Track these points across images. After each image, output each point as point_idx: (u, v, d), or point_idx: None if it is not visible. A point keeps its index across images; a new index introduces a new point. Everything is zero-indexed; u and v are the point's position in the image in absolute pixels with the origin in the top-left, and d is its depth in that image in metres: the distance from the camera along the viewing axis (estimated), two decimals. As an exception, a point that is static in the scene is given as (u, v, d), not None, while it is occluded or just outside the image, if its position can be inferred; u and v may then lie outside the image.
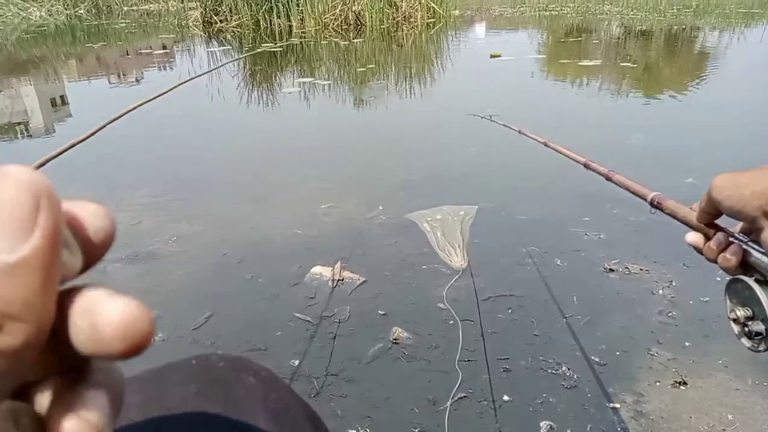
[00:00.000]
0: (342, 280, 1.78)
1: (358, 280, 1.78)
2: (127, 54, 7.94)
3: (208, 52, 7.75)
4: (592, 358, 1.42)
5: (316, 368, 1.39)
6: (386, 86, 5.12)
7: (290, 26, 9.97)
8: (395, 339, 1.48)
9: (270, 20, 10.23)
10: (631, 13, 11.68)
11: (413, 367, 1.39)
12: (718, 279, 1.76)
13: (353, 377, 1.35)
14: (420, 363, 1.41)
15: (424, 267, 1.88)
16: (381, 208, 2.34)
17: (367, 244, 2.05)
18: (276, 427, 0.36)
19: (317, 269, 1.84)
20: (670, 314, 1.60)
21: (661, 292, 1.72)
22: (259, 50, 5.01)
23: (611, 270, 1.84)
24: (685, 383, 1.33)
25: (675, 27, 9.25)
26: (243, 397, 0.37)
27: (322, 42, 8.13)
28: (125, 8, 15.97)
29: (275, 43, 7.91)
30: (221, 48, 8.06)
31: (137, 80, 5.87)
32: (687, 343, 1.48)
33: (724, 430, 1.20)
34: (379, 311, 1.62)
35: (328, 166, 2.98)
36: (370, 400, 1.29)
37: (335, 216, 2.29)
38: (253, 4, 10.21)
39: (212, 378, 0.38)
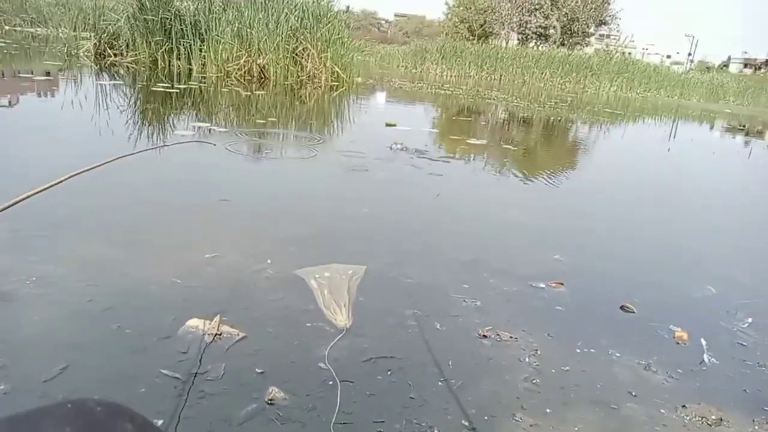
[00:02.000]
0: (220, 334, 1.70)
1: (238, 335, 1.72)
2: (2, 75, 7.30)
3: (97, 84, 7.35)
4: (463, 422, 1.47)
5: (182, 430, 1.29)
6: (284, 141, 5.16)
7: (190, 69, 9.80)
8: (270, 399, 1.43)
9: (169, 61, 9.99)
10: (515, 101, 12.92)
11: (286, 429, 1.35)
12: (578, 351, 1.92)
13: (222, 440, 1.28)
14: (294, 425, 1.36)
15: (308, 325, 1.86)
16: (269, 261, 2.30)
17: (251, 298, 2.00)
18: None
19: (193, 322, 1.75)
20: (534, 381, 1.71)
21: (527, 359, 1.83)
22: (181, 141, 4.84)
23: (485, 336, 1.94)
24: (544, 448, 1.41)
25: (552, 117, 10.35)
26: None
27: (223, 89, 8.05)
28: (6, 27, 14.80)
29: (172, 84, 7.71)
30: (112, 82, 7.69)
31: (10, 104, 5.39)
32: (548, 410, 1.58)
33: (576, 493, 1.28)
34: (257, 369, 1.57)
35: (217, 215, 2.90)
36: (238, 464, 1.22)
37: (219, 267, 2.21)
38: (152, 43, 9.94)
39: (88, 423, 0.37)
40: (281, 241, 2.59)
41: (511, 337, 1.96)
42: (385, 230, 2.98)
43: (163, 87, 7.39)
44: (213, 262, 2.24)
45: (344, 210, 3.27)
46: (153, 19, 9.65)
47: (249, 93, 8.03)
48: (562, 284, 2.43)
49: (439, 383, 1.63)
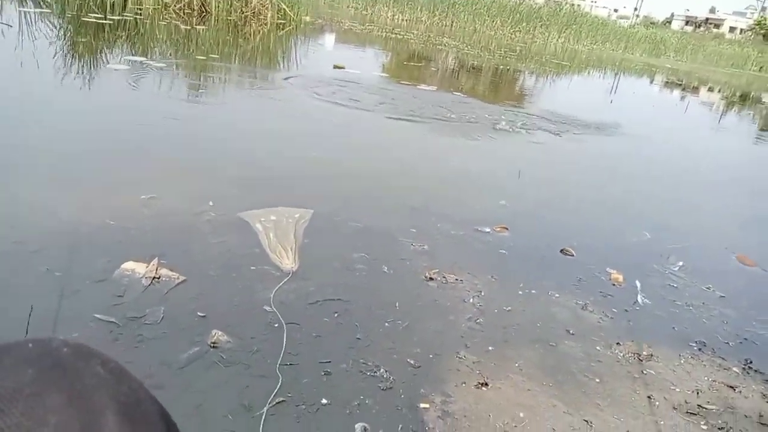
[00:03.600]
0: (158, 278, 1.63)
1: (177, 279, 1.65)
2: None
3: (20, 11, 6.70)
4: (408, 360, 1.49)
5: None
6: (227, 79, 4.92)
7: (125, 0, 9.08)
8: (213, 343, 1.40)
9: (101, -11, 9.20)
10: (466, 48, 12.80)
11: (231, 372, 1.32)
12: (520, 292, 1.98)
13: (162, 383, 1.24)
14: (238, 367, 1.34)
15: (252, 268, 1.81)
16: (211, 203, 2.21)
17: (192, 240, 1.92)
18: (127, 422, 0.33)
19: (129, 265, 1.66)
20: (477, 321, 1.75)
21: (471, 300, 1.87)
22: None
23: (431, 279, 1.96)
24: (486, 384, 1.46)
25: (501, 66, 10.34)
26: (90, 387, 0.33)
27: (160, 23, 7.54)
28: None
29: (105, 15, 7.14)
30: (37, 10, 7.03)
31: None
32: (490, 348, 1.63)
33: (515, 426, 1.33)
34: (199, 313, 1.52)
35: (155, 154, 2.74)
36: (180, 407, 1.19)
37: (157, 208, 2.10)
38: (81, -32, 9.09)
39: (54, 363, 0.33)
40: (223, 182, 2.49)
41: (456, 279, 1.99)
42: (333, 175, 2.92)
43: (95, 18, 6.83)
44: (149, 204, 2.13)
45: (292, 152, 3.17)
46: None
47: (189, 27, 7.55)
48: (507, 229, 2.48)
49: (386, 324, 1.64)
